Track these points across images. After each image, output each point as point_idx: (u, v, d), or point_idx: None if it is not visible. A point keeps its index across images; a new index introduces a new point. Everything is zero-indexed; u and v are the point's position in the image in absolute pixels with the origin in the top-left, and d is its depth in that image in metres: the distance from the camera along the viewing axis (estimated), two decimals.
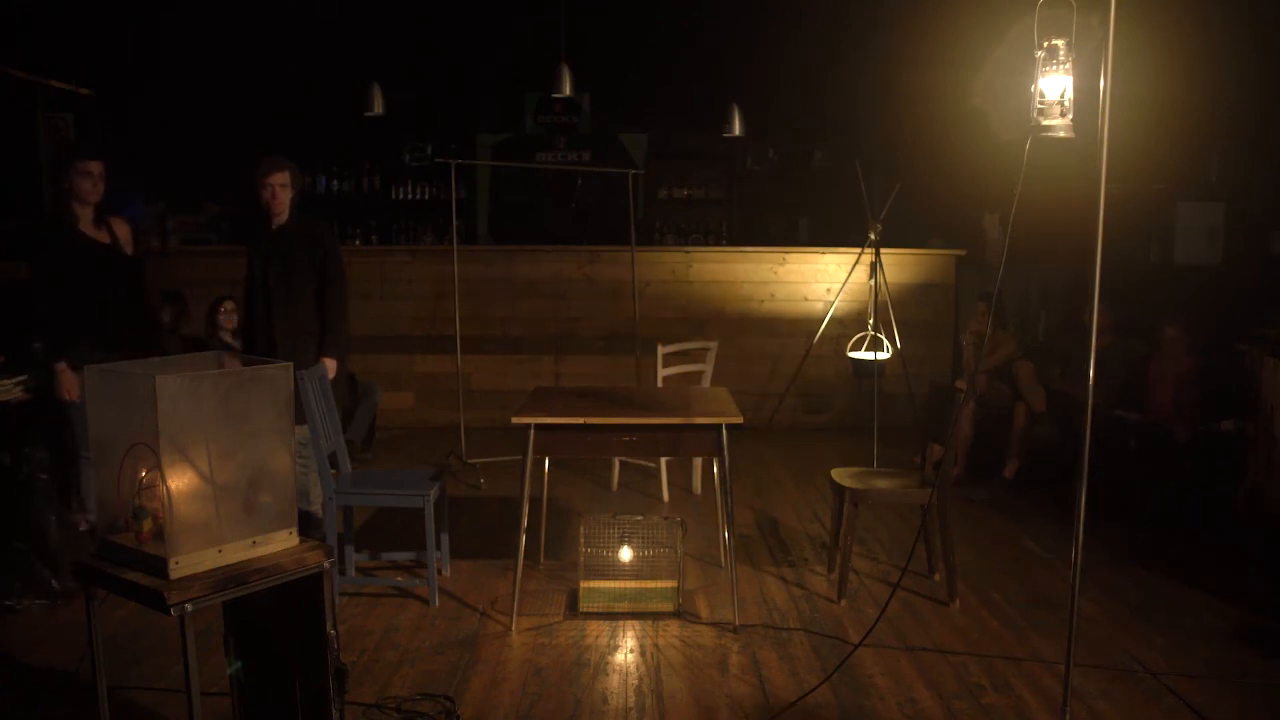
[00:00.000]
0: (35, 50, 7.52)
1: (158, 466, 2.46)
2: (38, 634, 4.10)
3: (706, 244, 9.94)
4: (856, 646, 3.90)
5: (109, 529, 2.65)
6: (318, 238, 5.17)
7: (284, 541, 2.72)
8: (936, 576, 4.72)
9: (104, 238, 4.96)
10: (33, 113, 7.32)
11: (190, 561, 2.50)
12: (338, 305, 5.16)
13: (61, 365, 4.79)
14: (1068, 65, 2.99)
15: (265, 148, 5.29)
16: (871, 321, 6.57)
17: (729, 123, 8.91)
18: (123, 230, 5.07)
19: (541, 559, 4.99)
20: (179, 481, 2.50)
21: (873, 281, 6.58)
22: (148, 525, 2.56)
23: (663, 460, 6.12)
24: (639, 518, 4.41)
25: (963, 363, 7.30)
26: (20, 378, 5.00)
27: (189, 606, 2.44)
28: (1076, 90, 3.02)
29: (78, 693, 3.54)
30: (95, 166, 4.84)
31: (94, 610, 2.67)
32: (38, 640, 4.03)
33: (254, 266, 5.15)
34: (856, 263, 7.34)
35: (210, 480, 2.57)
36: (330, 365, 5.05)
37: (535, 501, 4.91)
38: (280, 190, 5.06)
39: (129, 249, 5.10)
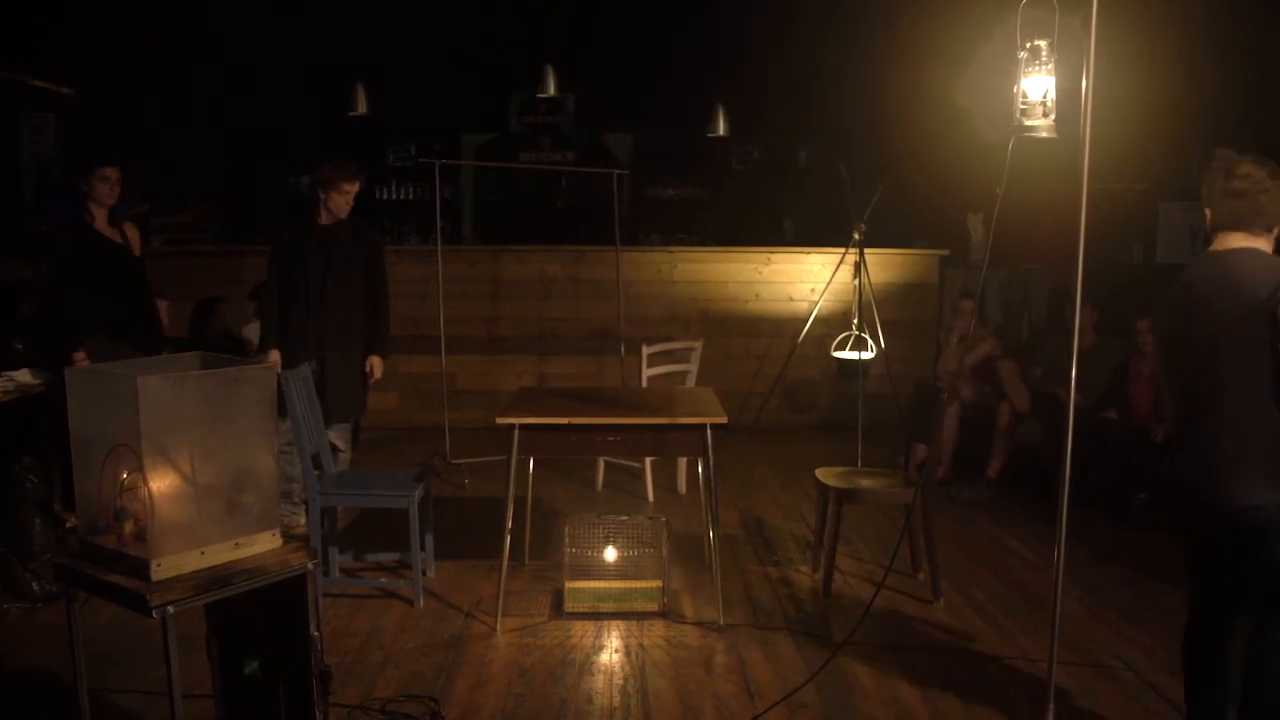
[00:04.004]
0: (16, 49, 7.47)
1: (139, 468, 2.44)
2: (18, 637, 4.07)
3: (691, 244, 9.94)
4: (841, 645, 3.90)
5: (90, 530, 2.63)
6: (371, 241, 5.47)
7: (267, 543, 2.71)
8: (921, 576, 4.73)
9: (116, 238, 5.23)
10: (14, 112, 7.28)
11: (172, 563, 2.49)
12: (387, 307, 5.45)
13: (80, 355, 4.97)
14: (1050, 66, 3.00)
15: (249, 149, 5.33)
16: (856, 321, 6.58)
17: (714, 122, 8.92)
18: (132, 233, 5.37)
19: (526, 559, 4.98)
20: (161, 483, 2.48)
21: (857, 281, 6.59)
22: (129, 527, 2.54)
23: (647, 460, 6.12)
24: (624, 518, 4.41)
25: (941, 361, 7.31)
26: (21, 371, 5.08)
27: (171, 609, 2.43)
28: (1059, 91, 3.03)
29: (59, 696, 3.51)
30: (113, 172, 5.13)
31: (75, 612, 2.65)
32: (19, 643, 4.01)
33: (303, 263, 5.24)
34: (841, 263, 7.36)
35: (192, 481, 2.55)
36: (379, 364, 5.38)
37: (520, 502, 4.90)
38: (345, 197, 5.30)
39: (137, 251, 5.37)
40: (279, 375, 4.22)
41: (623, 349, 7.24)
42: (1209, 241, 3.02)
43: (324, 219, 5.29)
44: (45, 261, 5.22)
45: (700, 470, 4.91)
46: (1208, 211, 3.00)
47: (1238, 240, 2.93)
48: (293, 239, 5.30)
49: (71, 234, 5.11)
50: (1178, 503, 2.99)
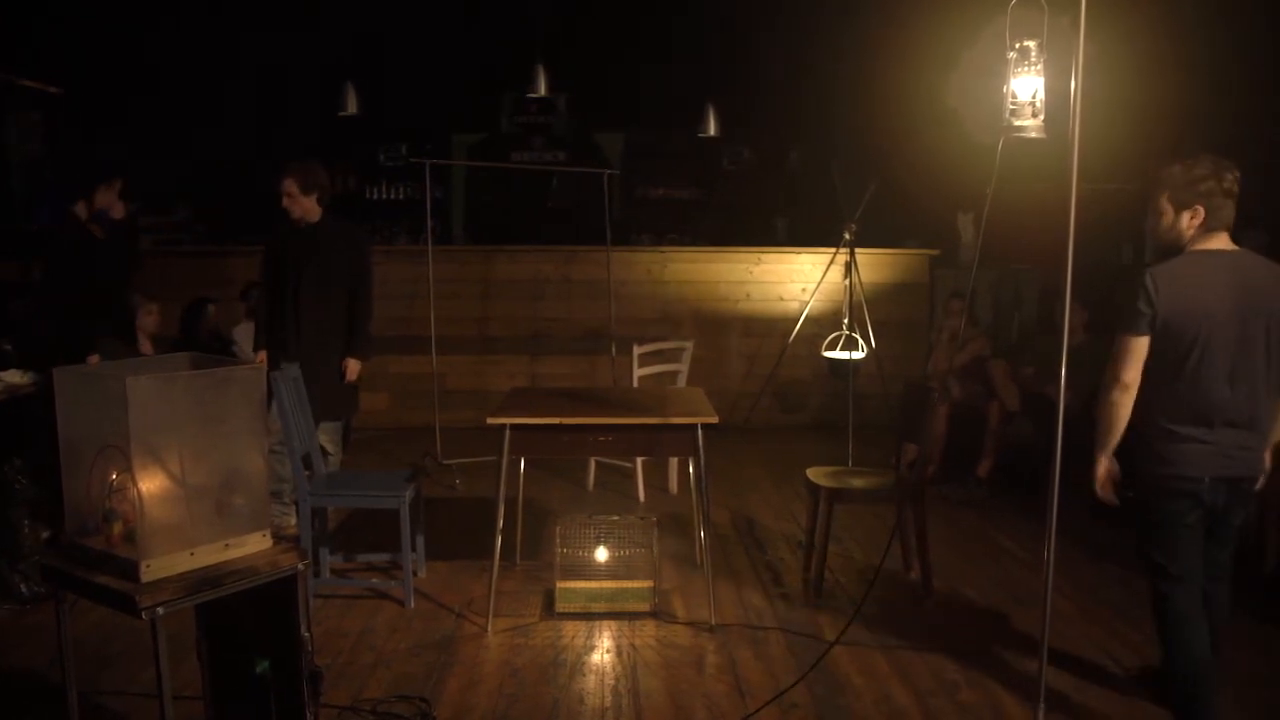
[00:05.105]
0: (3, 48, 7.43)
1: (128, 468, 2.43)
2: (8, 638, 4.05)
3: (682, 244, 9.94)
4: (832, 645, 3.91)
5: (79, 532, 2.62)
6: (355, 243, 5.42)
7: (257, 544, 2.70)
8: (912, 574, 4.74)
9: (100, 235, 5.41)
10: (2, 112, 7.25)
11: (162, 564, 2.48)
12: (367, 309, 5.37)
13: (94, 358, 5.05)
14: (1039, 66, 3.01)
15: (239, 149, 5.34)
16: (847, 321, 6.59)
17: (705, 123, 8.93)
18: (98, 231, 5.50)
19: (518, 559, 4.98)
20: (150, 484, 2.47)
21: (848, 281, 6.60)
22: (118, 528, 2.53)
23: (638, 460, 6.11)
24: (615, 518, 4.41)
25: (931, 360, 7.33)
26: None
27: (160, 610, 2.42)
28: (1049, 91, 3.03)
29: (49, 697, 3.49)
30: (120, 183, 5.41)
31: (64, 614, 2.64)
32: (8, 645, 3.99)
33: (284, 264, 5.26)
34: (831, 262, 7.37)
35: (182, 482, 2.54)
36: (354, 367, 5.32)
37: (511, 502, 4.89)
38: (286, 198, 5.20)
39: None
40: (269, 375, 4.20)
41: (614, 349, 7.24)
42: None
43: (298, 221, 5.29)
44: (45, 261, 5.25)
45: (691, 470, 4.90)
46: (1199, 210, 3.09)
47: (1227, 240, 3.09)
48: (278, 240, 5.33)
49: (75, 234, 5.16)
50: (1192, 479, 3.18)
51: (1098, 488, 3.33)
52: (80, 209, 5.21)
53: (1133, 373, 3.18)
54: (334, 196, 8.26)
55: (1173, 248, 3.24)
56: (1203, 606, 3.27)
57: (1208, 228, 3.14)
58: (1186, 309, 3.09)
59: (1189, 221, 3.15)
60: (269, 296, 5.36)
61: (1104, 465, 3.31)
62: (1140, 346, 3.16)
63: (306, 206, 5.23)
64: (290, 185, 5.19)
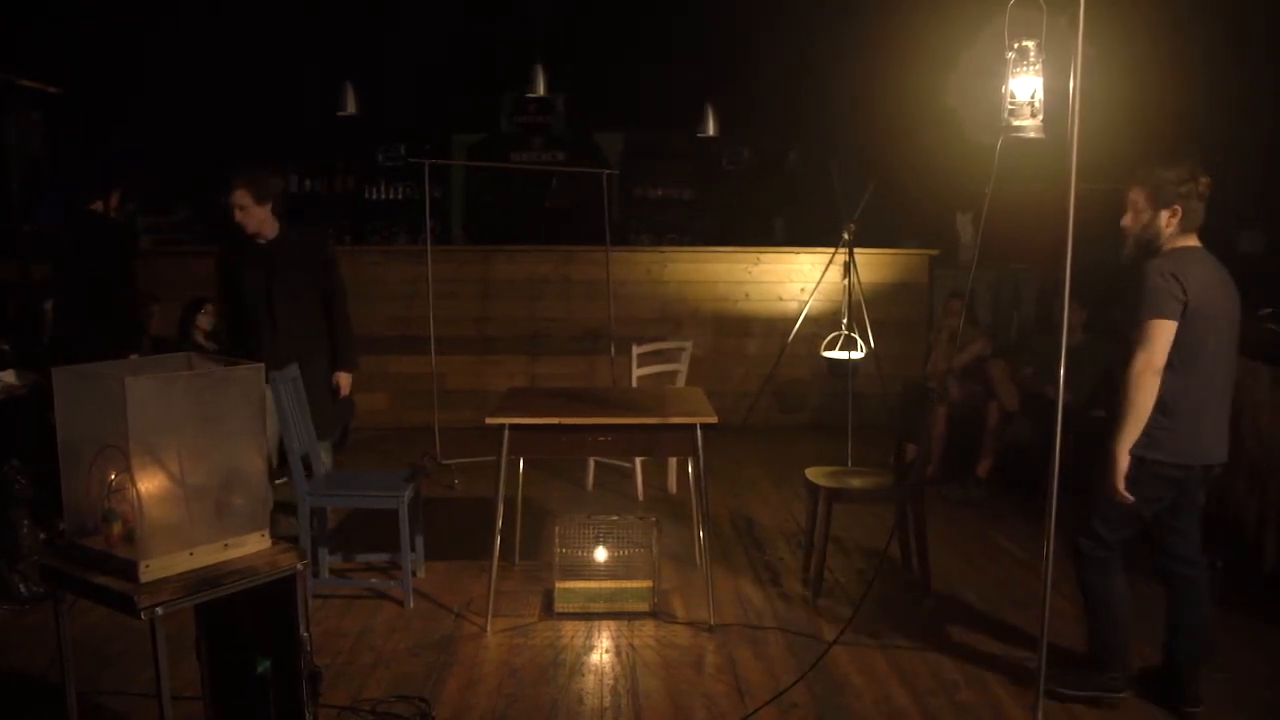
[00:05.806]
0: (3, 48, 7.43)
1: (127, 469, 2.44)
2: (7, 639, 4.05)
3: (681, 244, 9.94)
4: (831, 645, 3.91)
5: (78, 532, 2.62)
6: (318, 249, 5.08)
7: (256, 544, 2.70)
8: (911, 574, 4.74)
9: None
10: (1, 112, 7.24)
11: (161, 564, 2.48)
12: (345, 316, 5.11)
13: (133, 358, 4.97)
14: (1038, 66, 3.01)
15: (237, 147, 5.30)
16: (846, 321, 6.59)
17: (704, 123, 8.92)
18: None
19: (517, 560, 4.98)
20: (149, 484, 2.47)
21: (847, 281, 6.60)
22: (117, 528, 2.53)
23: (638, 460, 6.11)
24: (614, 518, 4.41)
25: (931, 360, 7.33)
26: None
27: (159, 610, 2.42)
28: (1047, 91, 3.04)
29: (48, 697, 3.50)
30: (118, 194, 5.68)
31: (62, 614, 2.64)
32: (7, 645, 3.99)
33: (246, 280, 4.87)
34: (830, 262, 7.36)
35: (181, 482, 2.54)
36: (346, 380, 5.11)
37: (510, 502, 4.89)
38: (239, 212, 4.81)
39: None
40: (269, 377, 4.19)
41: (613, 349, 7.24)
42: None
43: (254, 236, 4.90)
44: (76, 260, 5.27)
45: (690, 470, 4.91)
46: (1178, 209, 3.19)
47: (1198, 241, 3.34)
48: (233, 257, 4.95)
49: (103, 232, 5.22)
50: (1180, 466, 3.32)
51: (1120, 485, 3.27)
52: (99, 208, 5.24)
53: (1164, 356, 3.21)
54: (333, 197, 8.24)
55: (1148, 246, 3.36)
56: (1193, 597, 3.51)
57: (1182, 228, 3.29)
58: (1205, 302, 3.20)
59: (1168, 220, 3.27)
60: (231, 318, 5.01)
61: (1126, 459, 3.27)
62: (1171, 331, 3.21)
63: (261, 218, 4.83)
64: (242, 197, 4.76)
